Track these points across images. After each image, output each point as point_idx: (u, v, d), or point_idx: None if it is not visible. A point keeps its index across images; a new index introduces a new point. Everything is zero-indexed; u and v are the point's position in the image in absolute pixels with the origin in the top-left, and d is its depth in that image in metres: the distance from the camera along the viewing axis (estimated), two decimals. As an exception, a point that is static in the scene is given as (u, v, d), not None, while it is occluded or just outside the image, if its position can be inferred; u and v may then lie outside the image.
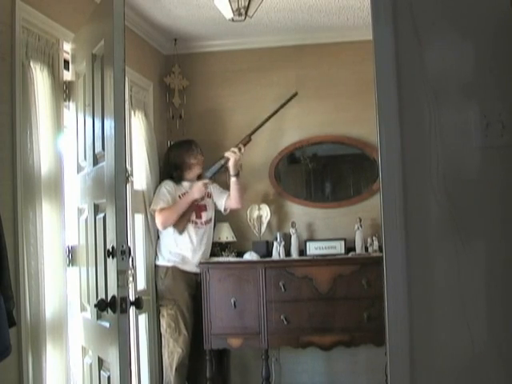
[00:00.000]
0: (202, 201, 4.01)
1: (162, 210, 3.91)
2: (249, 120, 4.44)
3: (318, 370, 4.32)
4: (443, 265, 1.74)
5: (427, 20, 1.77)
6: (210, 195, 4.14)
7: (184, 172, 4.05)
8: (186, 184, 4.07)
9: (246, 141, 4.02)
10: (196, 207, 4.02)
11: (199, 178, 4.12)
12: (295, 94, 4.05)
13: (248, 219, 4.36)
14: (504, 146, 1.72)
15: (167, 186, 4.00)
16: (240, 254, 4.21)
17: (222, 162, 4.01)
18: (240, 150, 3.96)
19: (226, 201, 4.14)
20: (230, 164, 3.99)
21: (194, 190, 3.94)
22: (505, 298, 1.71)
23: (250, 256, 4.12)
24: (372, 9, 1.81)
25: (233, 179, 4.03)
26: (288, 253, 4.17)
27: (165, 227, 3.93)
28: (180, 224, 3.94)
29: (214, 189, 4.17)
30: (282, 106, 4.03)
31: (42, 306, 2.57)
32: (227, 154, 3.99)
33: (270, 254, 4.15)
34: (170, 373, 3.88)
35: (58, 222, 2.74)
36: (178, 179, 4.05)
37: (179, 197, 4.00)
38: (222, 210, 4.18)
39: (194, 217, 4.00)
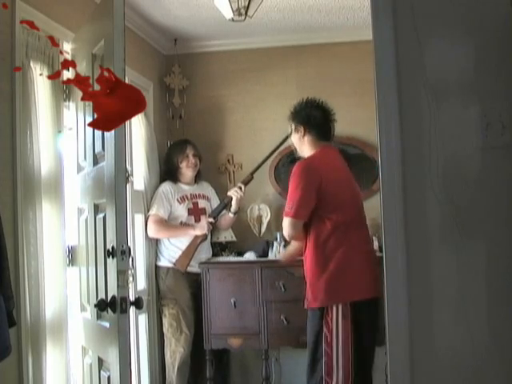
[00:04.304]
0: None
1: (157, 219, 3.93)
2: (249, 120, 4.46)
3: (318, 370, 4.31)
4: (443, 265, 1.74)
5: (427, 20, 1.77)
6: (209, 199, 4.17)
7: (177, 175, 4.08)
8: (184, 187, 4.08)
9: (248, 179, 4.04)
10: (195, 211, 4.04)
11: (196, 179, 4.15)
12: (288, 136, 3.63)
13: (248, 219, 4.36)
14: (504, 145, 1.72)
15: (164, 188, 4.02)
16: (240, 254, 4.20)
17: (226, 201, 4.06)
18: (241, 189, 4.00)
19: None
20: (233, 202, 4.04)
21: (198, 226, 3.96)
22: (505, 298, 1.71)
23: (250, 256, 4.12)
24: (372, 8, 1.81)
25: (230, 215, 4.09)
26: (288, 253, 4.16)
27: (152, 237, 3.98)
28: None
29: (213, 200, 4.19)
30: (277, 147, 3.87)
31: (41, 306, 2.57)
32: (230, 193, 4.04)
33: (267, 253, 4.14)
34: (172, 372, 3.88)
35: (58, 221, 2.74)
36: (175, 180, 4.08)
37: (177, 200, 4.01)
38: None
39: (192, 221, 4.01)
